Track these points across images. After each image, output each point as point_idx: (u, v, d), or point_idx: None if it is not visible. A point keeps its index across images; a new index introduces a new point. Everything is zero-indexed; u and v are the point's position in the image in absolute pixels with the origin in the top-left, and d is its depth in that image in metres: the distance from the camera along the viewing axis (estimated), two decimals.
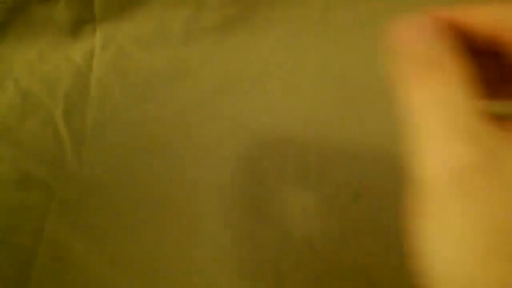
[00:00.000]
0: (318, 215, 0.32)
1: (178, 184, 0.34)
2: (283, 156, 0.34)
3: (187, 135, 0.36)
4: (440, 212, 0.16)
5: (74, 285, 0.33)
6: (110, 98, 0.37)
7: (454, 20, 0.19)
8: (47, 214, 0.34)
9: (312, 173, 0.33)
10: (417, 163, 0.17)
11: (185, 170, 0.35)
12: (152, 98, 0.37)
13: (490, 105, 0.19)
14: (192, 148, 0.35)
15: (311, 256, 0.31)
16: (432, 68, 0.17)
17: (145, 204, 0.34)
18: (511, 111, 0.19)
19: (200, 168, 0.35)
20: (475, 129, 0.16)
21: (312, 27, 0.38)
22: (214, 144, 0.35)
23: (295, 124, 0.35)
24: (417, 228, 0.16)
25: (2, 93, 0.37)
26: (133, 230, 0.34)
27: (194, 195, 0.34)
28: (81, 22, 0.39)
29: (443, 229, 0.16)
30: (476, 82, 0.17)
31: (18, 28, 0.38)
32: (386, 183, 0.33)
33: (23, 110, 0.37)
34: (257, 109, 0.36)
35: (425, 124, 0.17)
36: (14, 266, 0.33)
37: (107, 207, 0.34)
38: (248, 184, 0.34)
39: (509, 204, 0.15)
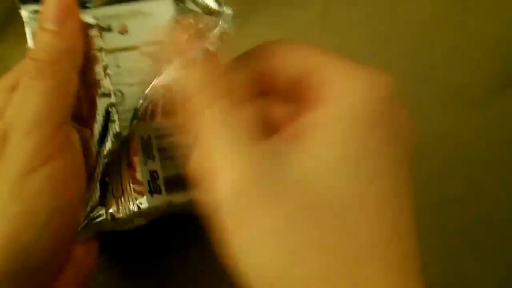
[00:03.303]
0: None
1: None
2: None
3: None
4: (237, 227, 0.19)
5: None
6: None
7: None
8: None
9: None
10: (209, 188, 0.19)
11: None
12: None
13: None
14: None
15: None
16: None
17: None
18: None
19: None
20: (244, 151, 0.19)
21: (311, 27, 0.38)
22: None
23: None
24: (227, 246, 0.19)
25: None
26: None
27: None
28: None
29: (246, 242, 0.19)
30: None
31: (18, 28, 0.38)
32: None
33: None
34: None
35: (207, 150, 0.19)
36: None
37: None
38: None
39: (284, 207, 0.18)
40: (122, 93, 0.25)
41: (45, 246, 0.22)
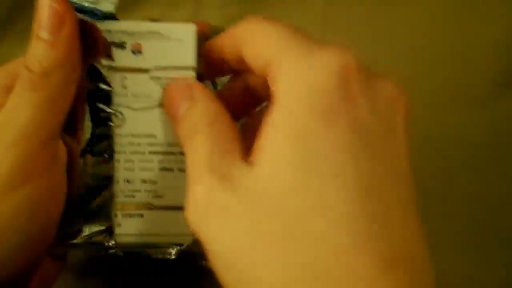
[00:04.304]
0: None
1: None
2: None
3: None
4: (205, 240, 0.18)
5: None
6: None
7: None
8: None
9: None
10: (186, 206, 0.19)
11: None
12: None
13: None
14: None
15: None
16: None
17: None
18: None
19: None
20: (214, 165, 0.19)
21: (312, 26, 0.38)
22: None
23: None
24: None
25: None
26: None
27: None
28: None
29: (212, 250, 0.18)
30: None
31: (19, 28, 0.38)
32: None
33: None
34: None
35: (187, 169, 0.20)
36: None
37: None
38: None
39: (245, 211, 0.17)
40: (124, 116, 0.23)
41: (11, 268, 0.21)
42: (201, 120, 0.20)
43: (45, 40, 0.20)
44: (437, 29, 0.38)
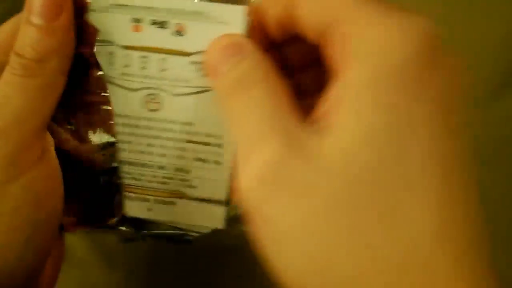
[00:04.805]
0: None
1: None
2: None
3: None
4: (261, 217, 0.16)
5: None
6: None
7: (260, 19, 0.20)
8: None
9: None
10: (238, 173, 0.17)
11: None
12: None
13: None
14: None
15: None
16: (244, 82, 0.18)
17: None
18: None
19: None
20: (278, 125, 0.16)
21: None
22: None
23: None
24: (256, 236, 0.17)
25: None
26: None
27: None
28: None
29: (271, 237, 0.16)
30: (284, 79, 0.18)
31: None
32: None
33: None
34: None
35: (239, 132, 0.17)
36: None
37: None
38: None
39: (322, 186, 0.16)
40: (161, 100, 0.22)
41: (28, 262, 0.20)
42: (255, 71, 0.18)
43: (37, 25, 0.19)
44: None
